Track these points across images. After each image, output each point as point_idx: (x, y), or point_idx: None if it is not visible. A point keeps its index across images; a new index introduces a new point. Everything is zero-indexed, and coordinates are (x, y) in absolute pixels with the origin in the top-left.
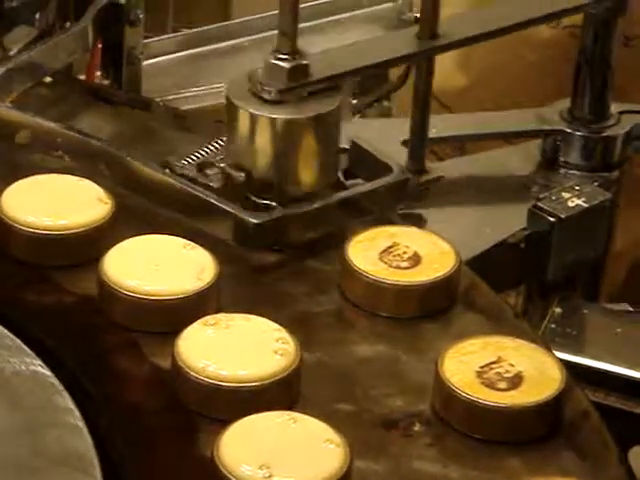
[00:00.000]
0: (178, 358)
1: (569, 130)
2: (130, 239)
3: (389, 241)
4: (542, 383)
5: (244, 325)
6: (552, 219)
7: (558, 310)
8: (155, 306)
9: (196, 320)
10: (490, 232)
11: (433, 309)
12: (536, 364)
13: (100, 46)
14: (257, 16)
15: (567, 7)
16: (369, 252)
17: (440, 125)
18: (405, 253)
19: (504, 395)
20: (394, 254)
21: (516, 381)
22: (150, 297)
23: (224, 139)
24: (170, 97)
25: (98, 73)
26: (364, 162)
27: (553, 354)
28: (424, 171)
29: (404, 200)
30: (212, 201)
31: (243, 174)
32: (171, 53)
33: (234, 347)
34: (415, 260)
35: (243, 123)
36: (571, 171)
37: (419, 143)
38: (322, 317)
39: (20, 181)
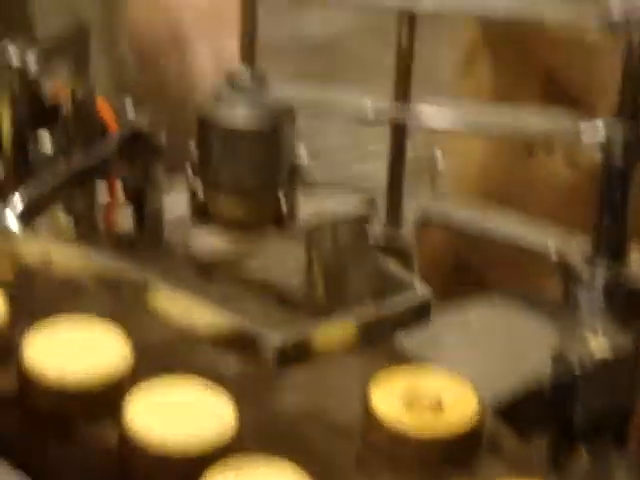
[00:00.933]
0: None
1: (590, 274)
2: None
3: (412, 383)
4: None
5: (265, 469)
6: (577, 366)
7: (586, 457)
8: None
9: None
10: (513, 378)
11: (458, 458)
12: None
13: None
14: None
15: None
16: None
17: None
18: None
19: None
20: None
21: None
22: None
23: None
24: None
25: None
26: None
27: None
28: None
29: (427, 320)
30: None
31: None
32: None
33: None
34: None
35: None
36: (595, 315)
37: None
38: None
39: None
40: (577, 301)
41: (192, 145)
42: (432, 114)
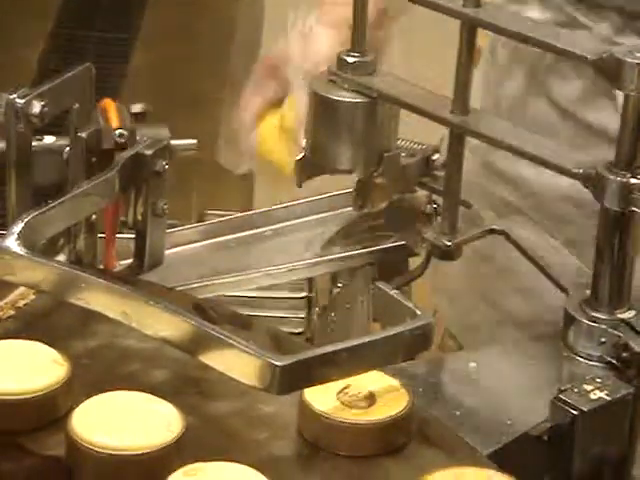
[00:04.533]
0: None
1: (588, 322)
2: (94, 397)
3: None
4: None
5: (223, 472)
6: (574, 412)
7: None
8: (130, 461)
9: (168, 473)
10: (512, 424)
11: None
12: None
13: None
14: (278, 206)
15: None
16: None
17: None
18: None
19: None
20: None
21: None
22: (123, 452)
23: None
24: (193, 286)
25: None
26: (388, 308)
27: None
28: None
29: (429, 346)
30: (235, 344)
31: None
32: (194, 242)
33: None
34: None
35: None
36: (593, 362)
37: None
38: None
39: None
40: (575, 347)
41: None
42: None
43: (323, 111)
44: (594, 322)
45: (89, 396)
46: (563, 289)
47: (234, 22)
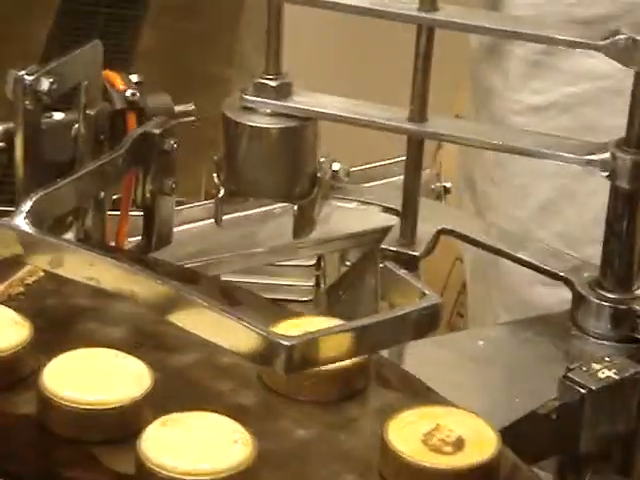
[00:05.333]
0: (145, 460)
1: (597, 300)
2: (61, 355)
3: (433, 423)
4: (481, 444)
5: (200, 422)
6: (583, 390)
7: None
8: (105, 414)
9: (142, 425)
10: (520, 402)
11: None
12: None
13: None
14: None
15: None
16: (411, 434)
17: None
18: (449, 437)
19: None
20: (438, 437)
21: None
22: (97, 406)
23: None
24: (200, 263)
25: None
26: (397, 288)
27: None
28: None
29: (436, 327)
30: (244, 324)
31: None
32: (203, 220)
33: (197, 442)
34: (458, 444)
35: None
36: (601, 341)
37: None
38: None
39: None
40: (584, 326)
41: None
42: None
43: (249, 140)
44: (603, 300)
45: (51, 356)
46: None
47: (242, 1)
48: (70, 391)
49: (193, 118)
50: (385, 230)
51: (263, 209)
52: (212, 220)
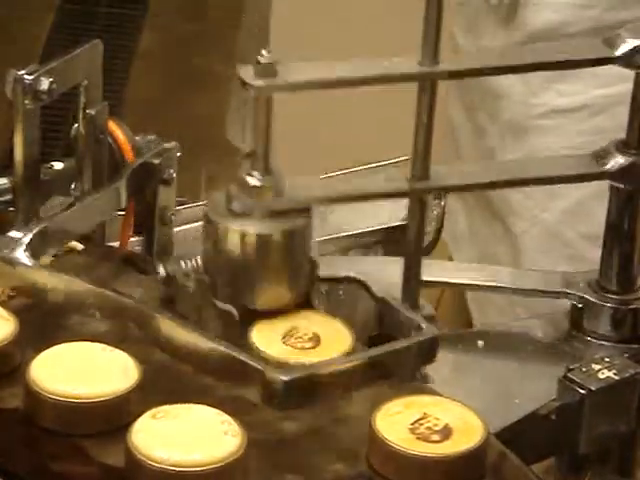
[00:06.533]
0: (136, 452)
1: (597, 301)
2: (49, 349)
3: (420, 412)
4: (468, 432)
5: (190, 414)
6: (582, 391)
7: None
8: (94, 407)
9: (132, 418)
10: (519, 403)
11: None
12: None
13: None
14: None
15: (580, 173)
16: (399, 423)
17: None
18: (436, 425)
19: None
20: (425, 426)
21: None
22: (86, 400)
23: None
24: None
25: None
26: (392, 319)
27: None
28: (417, 307)
29: (433, 359)
30: (242, 358)
31: (209, 278)
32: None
33: (187, 434)
34: (445, 433)
35: (214, 234)
36: (601, 342)
37: (413, 280)
38: None
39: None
40: (584, 326)
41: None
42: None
43: (244, 249)
44: (604, 301)
45: (37, 350)
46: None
47: (243, 1)
48: (58, 385)
49: (179, 155)
50: (386, 229)
51: None
52: None
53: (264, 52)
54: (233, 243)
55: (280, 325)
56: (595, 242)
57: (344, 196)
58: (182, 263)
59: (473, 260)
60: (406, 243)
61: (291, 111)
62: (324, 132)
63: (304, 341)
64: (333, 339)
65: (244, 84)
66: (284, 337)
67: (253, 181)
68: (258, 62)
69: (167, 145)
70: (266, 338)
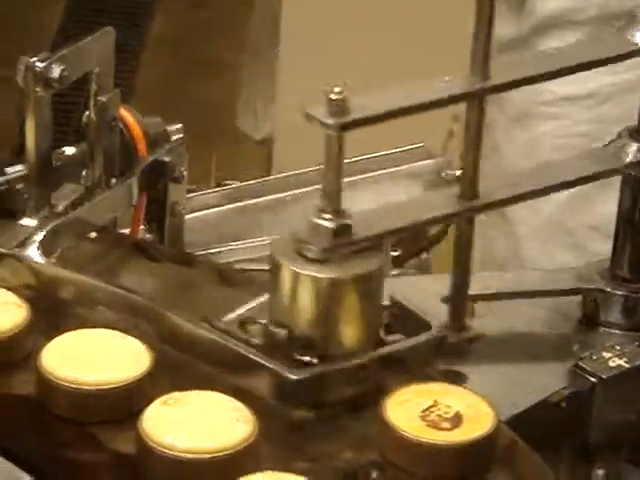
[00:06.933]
0: (147, 438)
1: (609, 289)
2: (61, 336)
3: (430, 400)
4: (478, 420)
5: (201, 401)
6: (593, 379)
7: (601, 473)
8: (107, 393)
9: (145, 404)
10: (530, 391)
11: (472, 471)
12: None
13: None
14: (298, 172)
15: (603, 169)
16: (409, 411)
17: (479, 282)
18: (447, 413)
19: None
20: (435, 414)
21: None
22: (99, 386)
23: (267, 296)
24: (212, 251)
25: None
26: (404, 319)
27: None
28: (464, 328)
29: (442, 357)
30: (252, 357)
31: (284, 331)
32: (213, 207)
33: (198, 421)
34: (456, 420)
35: (286, 281)
36: (612, 330)
37: (459, 300)
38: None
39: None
40: (595, 315)
41: None
42: None
43: (318, 295)
44: (615, 289)
45: (49, 337)
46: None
47: None
48: (69, 372)
49: (181, 136)
50: None
51: (274, 197)
52: (222, 207)
53: (336, 88)
54: (307, 289)
55: (417, 400)
56: (596, 231)
57: (408, 226)
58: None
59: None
60: (453, 263)
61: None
62: None
63: (444, 419)
64: (475, 418)
65: (321, 124)
66: (423, 412)
67: (324, 223)
68: (329, 99)
69: (172, 128)
70: (403, 412)
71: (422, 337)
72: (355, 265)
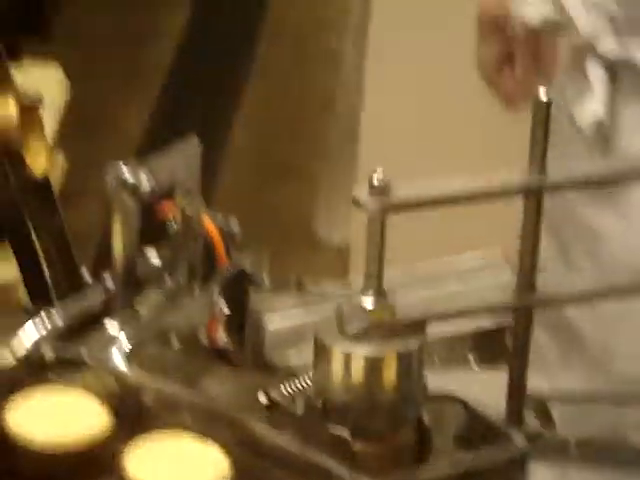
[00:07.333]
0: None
1: None
2: (142, 442)
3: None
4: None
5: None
6: None
7: None
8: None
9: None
10: None
11: None
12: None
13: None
14: None
15: None
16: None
17: None
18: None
19: None
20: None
21: None
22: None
23: None
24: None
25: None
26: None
27: None
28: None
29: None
30: (335, 472)
31: (321, 401)
32: (293, 312)
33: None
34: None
35: (325, 357)
36: None
37: (518, 397)
38: None
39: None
40: None
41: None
42: None
43: (358, 372)
44: None
45: (130, 441)
46: None
47: (333, 92)
48: (154, 477)
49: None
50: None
51: None
52: (301, 311)
53: (378, 172)
54: (348, 367)
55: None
56: None
57: (452, 313)
58: (282, 387)
59: None
60: (509, 356)
61: None
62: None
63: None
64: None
65: (359, 204)
66: None
67: (367, 303)
68: (372, 184)
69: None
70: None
71: (503, 450)
72: (395, 344)
